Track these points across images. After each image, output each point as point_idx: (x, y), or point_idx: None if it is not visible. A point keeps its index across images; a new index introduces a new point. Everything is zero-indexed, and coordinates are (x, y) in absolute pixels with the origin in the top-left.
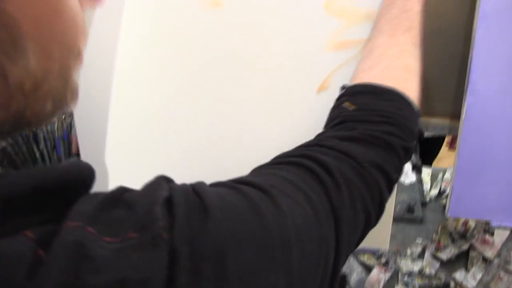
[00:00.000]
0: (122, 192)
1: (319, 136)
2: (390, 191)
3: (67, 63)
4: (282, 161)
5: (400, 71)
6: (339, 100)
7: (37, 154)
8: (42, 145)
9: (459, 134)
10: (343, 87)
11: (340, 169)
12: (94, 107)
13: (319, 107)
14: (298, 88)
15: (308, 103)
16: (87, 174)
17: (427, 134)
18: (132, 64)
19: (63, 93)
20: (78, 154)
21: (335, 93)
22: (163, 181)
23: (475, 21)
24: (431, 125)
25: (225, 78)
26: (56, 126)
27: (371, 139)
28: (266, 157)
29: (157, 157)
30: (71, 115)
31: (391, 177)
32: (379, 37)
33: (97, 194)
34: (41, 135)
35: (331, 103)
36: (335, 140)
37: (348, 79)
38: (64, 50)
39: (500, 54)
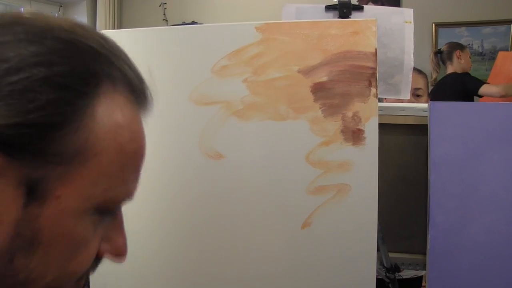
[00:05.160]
0: None
1: None
2: None
3: (58, 282)
4: None
5: None
6: None
7: None
8: None
9: (426, 264)
10: None
11: None
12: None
13: (303, 241)
14: (285, 225)
15: (294, 237)
16: None
17: (406, 274)
18: (138, 206)
19: None
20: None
21: (317, 230)
22: None
23: (428, 168)
24: (406, 262)
25: (224, 216)
26: None
27: None
28: (258, 282)
29: None
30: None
31: None
32: None
33: None
34: None
35: (313, 238)
36: None
37: (327, 219)
38: (61, 272)
39: (452, 193)
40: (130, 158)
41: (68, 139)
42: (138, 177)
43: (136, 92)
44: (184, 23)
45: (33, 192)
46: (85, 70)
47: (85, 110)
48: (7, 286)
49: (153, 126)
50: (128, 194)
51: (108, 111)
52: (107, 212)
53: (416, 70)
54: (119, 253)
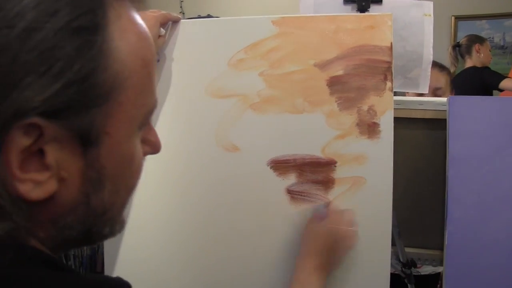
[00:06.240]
0: None
1: None
2: None
3: (126, 200)
4: None
5: None
6: None
7: None
8: (71, 262)
9: (443, 261)
10: None
11: None
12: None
13: None
14: (300, 218)
15: None
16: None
17: (424, 270)
18: (155, 198)
19: (116, 223)
20: (100, 273)
21: None
22: None
23: (447, 163)
24: (423, 258)
25: (239, 208)
26: None
27: None
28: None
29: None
30: None
31: None
32: None
33: None
34: (71, 252)
35: None
36: None
37: None
38: (127, 190)
39: (471, 189)
40: (151, 65)
41: (101, 80)
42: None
43: None
44: (199, 16)
45: (87, 139)
46: (87, 3)
47: (105, 45)
48: (92, 222)
49: (170, 118)
50: (156, 100)
51: (123, 32)
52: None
53: (438, 67)
54: (158, 150)
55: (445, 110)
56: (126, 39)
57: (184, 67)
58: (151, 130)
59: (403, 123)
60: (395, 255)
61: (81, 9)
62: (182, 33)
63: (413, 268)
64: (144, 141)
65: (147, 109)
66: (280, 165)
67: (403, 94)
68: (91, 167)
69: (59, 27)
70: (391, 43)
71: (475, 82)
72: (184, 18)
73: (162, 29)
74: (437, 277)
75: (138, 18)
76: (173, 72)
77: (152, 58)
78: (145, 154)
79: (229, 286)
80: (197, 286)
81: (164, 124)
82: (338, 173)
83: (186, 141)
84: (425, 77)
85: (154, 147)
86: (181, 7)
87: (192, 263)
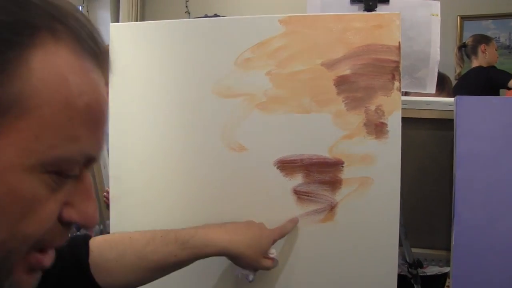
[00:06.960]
0: None
1: None
2: None
3: (11, 247)
4: None
5: None
6: None
7: None
8: None
9: (450, 261)
10: None
11: None
12: None
13: (324, 234)
14: (307, 218)
15: (315, 230)
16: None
17: (430, 270)
18: (161, 197)
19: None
20: None
21: (339, 224)
22: None
23: (454, 163)
24: (429, 258)
25: (246, 208)
26: None
27: None
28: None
29: None
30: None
31: None
32: None
33: None
34: None
35: (336, 234)
36: None
37: (349, 213)
38: (13, 235)
39: (479, 189)
40: (82, 112)
41: None
42: (99, 136)
43: (87, 47)
44: (206, 16)
45: None
46: (16, 20)
47: (17, 61)
48: None
49: (177, 118)
50: (84, 154)
51: (48, 62)
52: (64, 173)
53: (436, 88)
54: (85, 221)
55: (452, 110)
56: (52, 70)
57: (191, 66)
58: (83, 194)
59: (410, 123)
60: (401, 255)
61: (6, 21)
62: (189, 33)
63: (419, 268)
64: (70, 204)
65: (58, 153)
66: (287, 165)
67: (408, 94)
68: None
69: None
70: (399, 42)
71: (481, 82)
72: (189, 18)
73: (273, 249)
74: (444, 277)
75: (87, 67)
76: (180, 72)
77: (84, 111)
78: (68, 218)
79: (233, 286)
80: (202, 285)
81: (170, 124)
82: (346, 174)
83: (192, 140)
84: (432, 77)
85: (80, 217)
86: (186, 6)
87: (197, 263)
